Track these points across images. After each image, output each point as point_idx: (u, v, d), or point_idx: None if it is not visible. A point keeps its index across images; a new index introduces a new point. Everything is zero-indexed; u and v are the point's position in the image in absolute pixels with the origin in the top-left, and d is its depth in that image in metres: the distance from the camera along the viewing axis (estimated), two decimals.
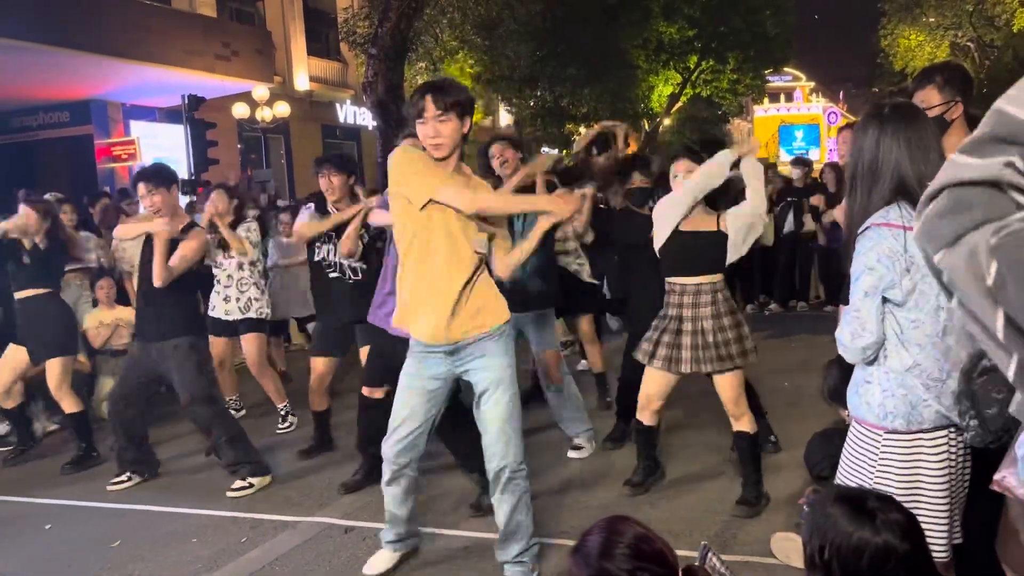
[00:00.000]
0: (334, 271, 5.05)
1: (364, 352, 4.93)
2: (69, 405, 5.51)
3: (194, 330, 4.85)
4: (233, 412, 6.02)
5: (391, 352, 4.08)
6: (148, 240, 4.78)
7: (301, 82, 20.87)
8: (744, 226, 3.93)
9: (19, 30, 11.23)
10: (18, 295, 5.49)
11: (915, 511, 2.17)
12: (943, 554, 2.20)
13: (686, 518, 3.99)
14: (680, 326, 3.95)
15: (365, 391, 4.62)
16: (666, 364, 3.96)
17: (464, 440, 3.94)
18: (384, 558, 3.67)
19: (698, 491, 4.35)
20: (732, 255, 3.95)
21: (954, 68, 3.05)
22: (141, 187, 4.69)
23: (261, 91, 16.32)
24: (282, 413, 6.15)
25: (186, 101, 13.52)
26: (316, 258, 5.11)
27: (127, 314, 6.92)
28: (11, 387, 5.66)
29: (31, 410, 6.05)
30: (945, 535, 2.20)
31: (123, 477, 5.02)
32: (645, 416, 4.21)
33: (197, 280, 5.06)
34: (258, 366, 6.05)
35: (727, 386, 3.97)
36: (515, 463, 3.32)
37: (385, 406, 3.96)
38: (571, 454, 5.02)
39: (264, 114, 16.84)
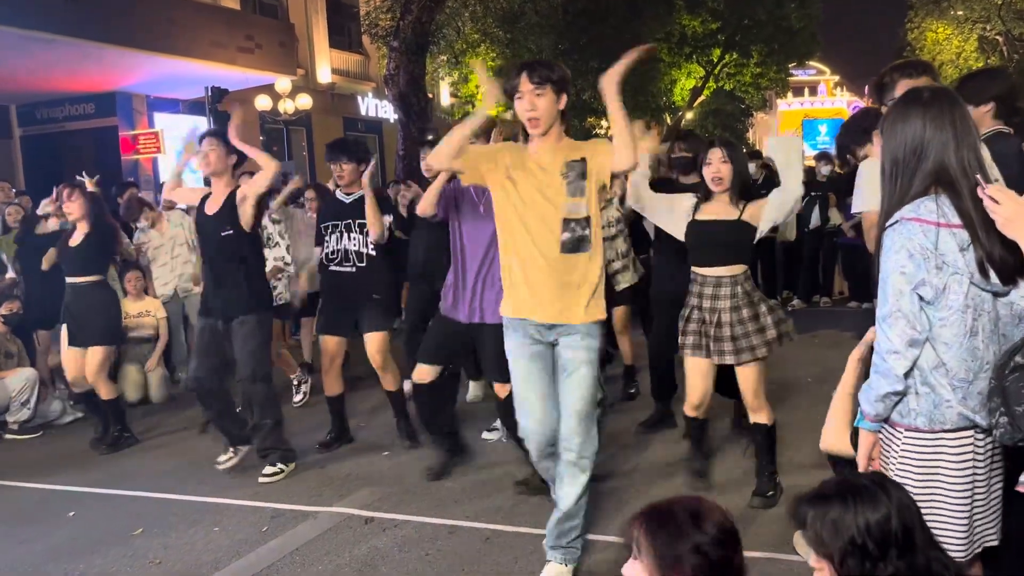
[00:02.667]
0: (336, 263, 5.12)
1: (371, 339, 5.10)
2: (106, 392, 5.68)
3: (263, 307, 4.88)
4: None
5: (457, 337, 4.37)
6: (201, 210, 4.81)
7: (323, 75, 20.92)
8: (785, 209, 3.92)
9: (46, 23, 11.33)
10: (69, 280, 5.66)
11: (932, 510, 2.14)
12: (959, 554, 2.15)
13: None
14: (703, 315, 3.97)
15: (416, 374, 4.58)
16: (693, 351, 4.01)
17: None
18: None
19: (717, 487, 4.32)
20: (761, 229, 3.97)
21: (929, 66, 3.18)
22: (206, 142, 4.81)
23: (284, 83, 16.38)
24: (295, 383, 6.57)
25: (209, 93, 13.60)
26: (325, 250, 5.20)
27: (154, 305, 7.00)
28: (76, 373, 5.72)
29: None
30: (963, 536, 2.15)
31: (229, 453, 5.01)
32: (689, 410, 4.21)
33: (258, 249, 5.07)
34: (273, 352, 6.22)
35: (746, 377, 3.98)
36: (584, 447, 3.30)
37: (432, 387, 4.33)
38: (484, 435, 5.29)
39: (286, 106, 16.90)
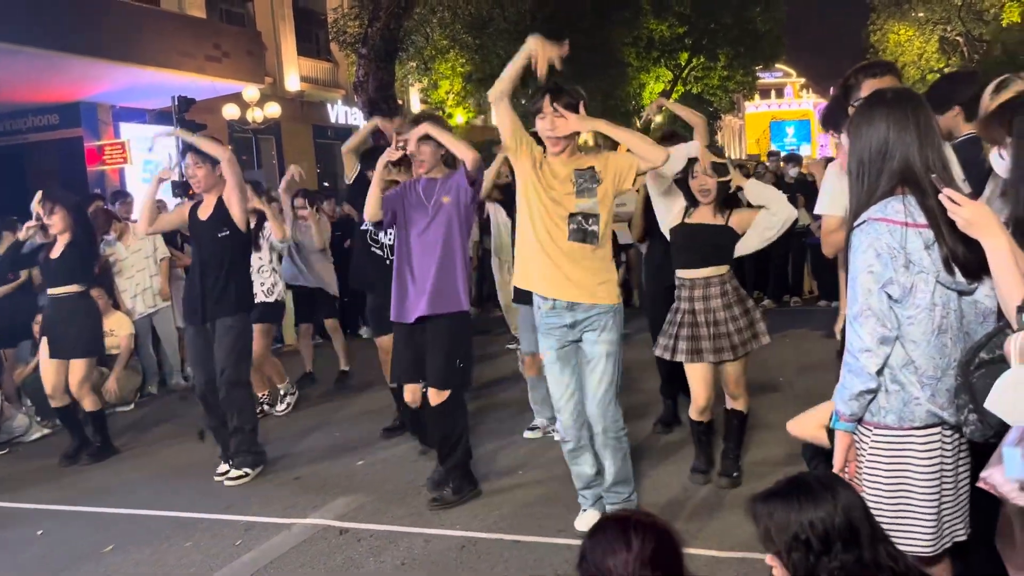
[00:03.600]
0: (378, 248, 5.30)
1: (382, 342, 5.18)
2: (90, 404, 5.67)
3: (245, 309, 4.94)
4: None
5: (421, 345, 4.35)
6: (194, 216, 4.87)
7: (292, 83, 20.80)
8: (770, 232, 4.09)
9: (8, 33, 11.15)
10: (50, 292, 5.61)
11: (902, 506, 2.17)
12: (928, 549, 2.19)
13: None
14: (695, 319, 4.08)
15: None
16: (690, 356, 4.10)
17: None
18: (592, 516, 3.78)
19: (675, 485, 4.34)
20: (740, 250, 4.12)
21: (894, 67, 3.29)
22: (190, 157, 4.87)
23: (252, 92, 16.26)
24: (281, 393, 6.51)
25: (176, 103, 13.45)
26: (363, 227, 5.25)
27: (119, 323, 6.91)
28: (56, 385, 5.62)
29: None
30: (932, 531, 2.18)
31: (240, 472, 4.94)
32: (695, 415, 4.29)
33: (248, 251, 5.17)
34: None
35: (735, 369, 4.17)
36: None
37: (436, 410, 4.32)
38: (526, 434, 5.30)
39: (255, 115, 16.78)
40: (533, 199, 3.64)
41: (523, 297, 4.79)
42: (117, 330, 6.88)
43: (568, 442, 3.79)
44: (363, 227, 5.41)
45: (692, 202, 4.17)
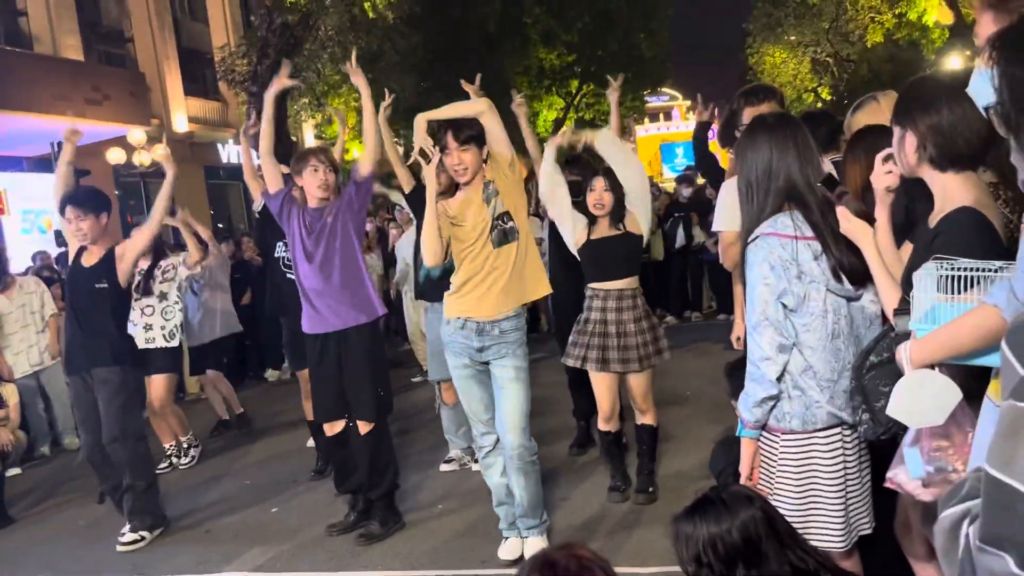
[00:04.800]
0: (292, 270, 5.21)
1: (303, 374, 5.13)
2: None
3: (129, 362, 4.67)
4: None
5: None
6: (77, 261, 4.65)
7: (180, 123, 20.26)
8: (644, 198, 4.28)
9: None
10: None
11: (812, 506, 2.28)
12: (839, 544, 2.30)
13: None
14: (606, 328, 4.18)
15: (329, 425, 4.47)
16: (598, 365, 4.19)
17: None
18: (515, 544, 3.82)
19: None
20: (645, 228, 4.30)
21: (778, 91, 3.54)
22: (70, 211, 4.56)
23: (138, 135, 15.74)
24: (184, 446, 6.26)
25: (56, 148, 12.88)
26: (276, 254, 5.29)
27: (4, 392, 6.49)
28: None
29: None
30: (841, 527, 2.30)
31: (136, 535, 4.60)
32: (603, 424, 4.39)
33: (127, 306, 4.90)
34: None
35: (640, 383, 4.27)
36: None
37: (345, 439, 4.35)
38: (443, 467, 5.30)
39: (142, 158, 16.23)
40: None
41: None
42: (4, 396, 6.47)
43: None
44: (276, 254, 5.45)
45: (591, 219, 4.32)
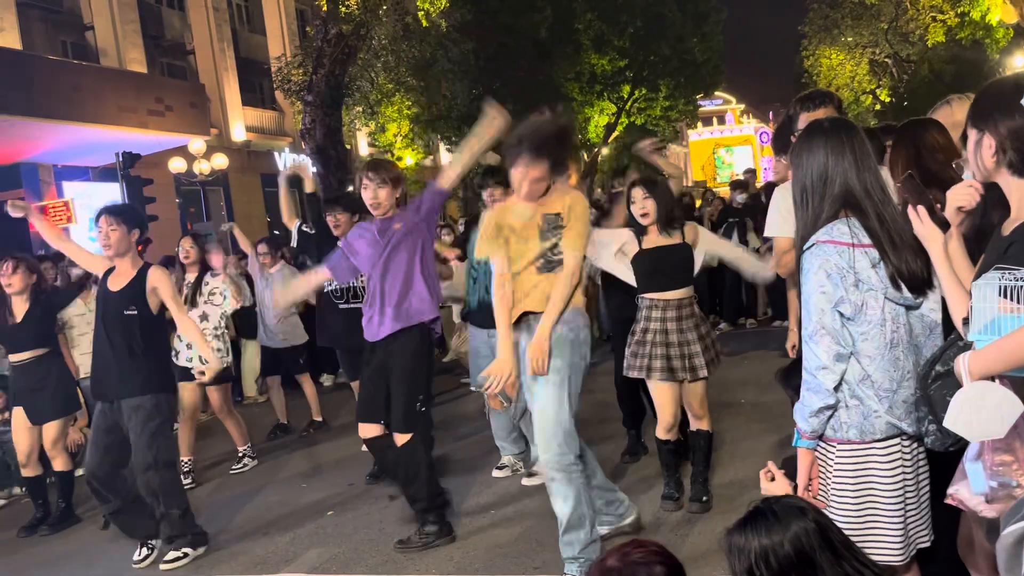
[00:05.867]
0: (345, 301, 5.55)
1: (357, 385, 5.18)
2: (62, 463, 5.53)
3: (162, 388, 4.51)
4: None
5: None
6: (104, 284, 4.52)
7: (238, 133, 20.73)
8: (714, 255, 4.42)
9: None
10: (13, 359, 5.41)
11: (870, 519, 2.23)
12: (898, 557, 2.25)
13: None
14: (667, 338, 4.19)
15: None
16: (664, 375, 4.18)
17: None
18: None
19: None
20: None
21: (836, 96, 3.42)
22: (104, 219, 4.47)
23: (197, 144, 16.19)
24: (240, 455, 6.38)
25: (120, 159, 13.32)
26: (325, 288, 5.53)
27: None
28: (30, 454, 5.47)
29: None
30: (899, 539, 2.25)
31: (144, 551, 4.60)
32: (662, 433, 4.35)
33: (161, 329, 4.72)
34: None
35: (699, 389, 4.28)
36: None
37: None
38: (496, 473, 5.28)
39: (202, 167, 16.68)
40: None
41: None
42: None
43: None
44: (327, 288, 5.67)
45: (639, 229, 4.31)
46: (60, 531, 5.43)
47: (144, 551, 4.60)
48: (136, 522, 4.61)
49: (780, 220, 3.34)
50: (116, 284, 4.49)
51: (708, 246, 4.41)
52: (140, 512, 4.59)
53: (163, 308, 4.58)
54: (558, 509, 3.52)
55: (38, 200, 15.10)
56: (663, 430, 4.32)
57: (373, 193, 4.23)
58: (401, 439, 4.25)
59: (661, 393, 4.24)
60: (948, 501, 1.88)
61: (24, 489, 6.08)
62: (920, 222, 2.09)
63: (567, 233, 3.56)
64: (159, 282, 4.48)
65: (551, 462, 3.47)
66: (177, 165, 16.14)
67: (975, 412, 1.72)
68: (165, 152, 15.84)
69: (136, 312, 4.43)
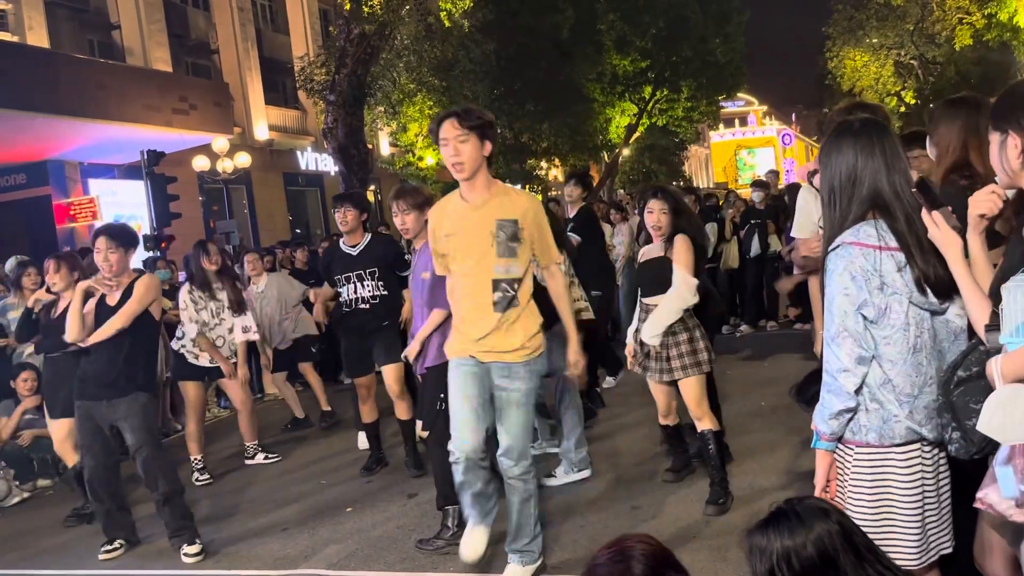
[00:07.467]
0: (352, 310, 5.61)
1: (388, 371, 5.48)
2: (74, 460, 5.54)
3: (150, 388, 4.76)
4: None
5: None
6: (103, 302, 4.67)
7: (261, 132, 20.87)
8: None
9: None
10: (51, 355, 5.49)
11: (887, 522, 2.21)
12: (914, 562, 2.22)
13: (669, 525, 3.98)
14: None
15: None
16: (650, 373, 4.47)
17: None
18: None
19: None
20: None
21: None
22: (101, 241, 4.64)
23: (221, 143, 16.30)
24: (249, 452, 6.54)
25: (145, 157, 13.45)
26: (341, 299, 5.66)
27: None
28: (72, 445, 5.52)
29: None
30: (917, 545, 2.22)
31: (115, 544, 4.79)
32: (661, 420, 4.78)
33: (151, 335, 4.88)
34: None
35: (690, 391, 4.38)
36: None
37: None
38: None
39: (225, 165, 16.80)
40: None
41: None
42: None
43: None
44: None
45: (646, 239, 4.53)
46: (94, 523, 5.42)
47: (116, 545, 4.80)
48: (118, 523, 4.84)
49: (805, 221, 3.32)
50: (113, 299, 4.70)
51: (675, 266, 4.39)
52: (124, 517, 4.90)
53: (162, 313, 4.86)
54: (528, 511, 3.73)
55: (65, 197, 15.31)
56: (660, 416, 4.75)
57: (401, 220, 4.61)
58: (423, 433, 4.48)
59: (651, 386, 4.58)
60: (976, 505, 1.85)
61: (56, 480, 6.26)
62: (936, 227, 2.07)
63: (539, 247, 3.61)
64: (141, 284, 4.68)
65: (524, 471, 3.67)
66: (200, 163, 16.27)
67: (1008, 415, 1.70)
68: (189, 150, 15.98)
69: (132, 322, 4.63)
